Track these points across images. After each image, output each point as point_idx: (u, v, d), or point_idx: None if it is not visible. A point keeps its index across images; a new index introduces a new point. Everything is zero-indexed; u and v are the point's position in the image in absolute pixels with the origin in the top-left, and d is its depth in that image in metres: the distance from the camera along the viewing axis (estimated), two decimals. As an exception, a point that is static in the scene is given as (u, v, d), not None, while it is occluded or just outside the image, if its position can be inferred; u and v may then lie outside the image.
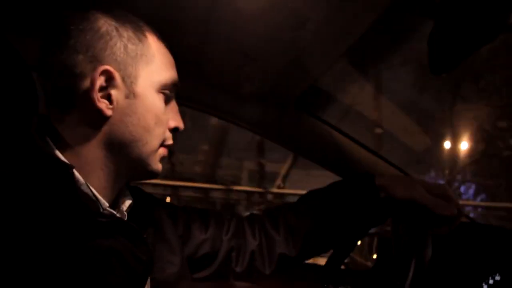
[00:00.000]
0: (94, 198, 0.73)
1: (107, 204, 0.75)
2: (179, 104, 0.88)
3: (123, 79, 0.76)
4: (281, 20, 1.00)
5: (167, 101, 0.83)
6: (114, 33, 0.75)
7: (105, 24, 0.75)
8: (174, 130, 0.86)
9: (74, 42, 0.74)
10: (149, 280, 0.82)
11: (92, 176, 0.75)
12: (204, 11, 0.99)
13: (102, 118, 0.75)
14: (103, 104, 0.74)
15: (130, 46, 0.77)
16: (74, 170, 0.71)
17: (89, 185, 0.73)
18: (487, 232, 1.11)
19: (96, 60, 0.73)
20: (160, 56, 0.81)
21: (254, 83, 1.29)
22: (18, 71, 0.75)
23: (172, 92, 0.84)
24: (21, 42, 0.84)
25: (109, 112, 0.75)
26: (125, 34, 0.76)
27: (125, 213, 0.83)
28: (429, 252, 0.94)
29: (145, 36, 0.79)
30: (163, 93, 0.81)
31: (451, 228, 0.99)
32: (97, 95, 0.73)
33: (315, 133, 1.37)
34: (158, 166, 0.84)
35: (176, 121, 0.86)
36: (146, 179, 0.86)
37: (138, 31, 0.79)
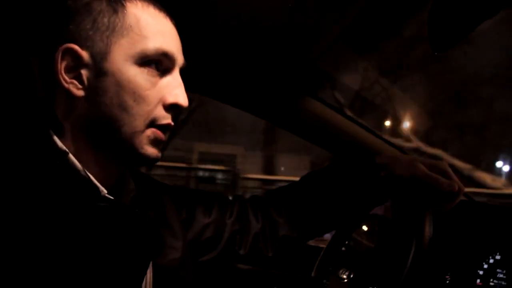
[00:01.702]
0: (92, 183, 0.72)
1: (105, 191, 0.74)
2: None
3: (92, 57, 0.70)
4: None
5: (159, 75, 0.75)
6: (83, 9, 0.71)
7: (77, 0, 0.71)
8: (173, 107, 0.76)
9: (50, 23, 0.73)
10: (151, 265, 0.81)
11: (86, 161, 0.73)
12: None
13: (75, 100, 0.71)
14: (71, 85, 0.71)
15: (100, 20, 0.70)
16: (70, 156, 0.70)
17: (86, 171, 0.72)
18: (487, 211, 1.11)
19: (62, 40, 0.70)
20: (143, 25, 0.72)
21: (253, 64, 1.28)
22: (16, 54, 0.75)
23: (165, 64, 0.75)
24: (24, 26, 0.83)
25: (79, 93, 0.71)
26: (97, 7, 0.71)
27: (127, 198, 0.82)
28: (430, 231, 0.94)
29: (123, 6, 0.72)
30: (148, 66, 0.73)
31: (452, 205, 0.99)
32: (63, 76, 0.70)
33: (315, 114, 1.36)
34: (148, 150, 0.75)
35: (174, 97, 0.75)
36: (142, 165, 0.80)
37: (114, 1, 0.72)
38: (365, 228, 1.28)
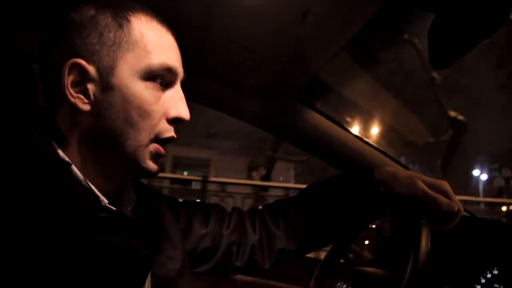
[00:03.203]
0: (93, 194, 0.72)
1: (106, 201, 0.74)
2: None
3: (98, 71, 0.71)
4: (282, 13, 0.99)
5: (162, 89, 0.76)
6: (89, 23, 0.71)
7: (82, 13, 0.71)
8: (175, 121, 0.78)
9: (53, 35, 0.73)
10: (149, 275, 0.81)
11: (89, 172, 0.73)
12: (204, 3, 0.99)
13: (80, 113, 0.72)
14: (77, 99, 0.71)
15: (106, 34, 0.71)
16: (72, 166, 0.70)
17: (87, 181, 0.72)
18: (485, 226, 1.11)
19: (68, 54, 0.70)
20: (147, 40, 0.73)
21: (254, 75, 1.28)
22: (17, 63, 0.75)
23: (169, 78, 0.77)
24: (24, 34, 0.84)
25: (85, 107, 0.71)
26: (102, 22, 0.71)
27: (129, 210, 0.82)
28: (428, 246, 0.94)
29: (128, 20, 0.72)
30: (152, 81, 0.74)
31: (451, 226, 0.99)
32: (70, 90, 0.70)
33: (315, 126, 1.37)
34: (149, 164, 0.76)
35: (177, 110, 0.77)
36: (142, 177, 0.81)
37: (119, 16, 0.72)
38: (364, 240, 1.28)
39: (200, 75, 1.28)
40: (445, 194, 0.98)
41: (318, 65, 1.20)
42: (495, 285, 0.99)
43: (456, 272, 1.05)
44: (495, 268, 1.00)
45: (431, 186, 0.98)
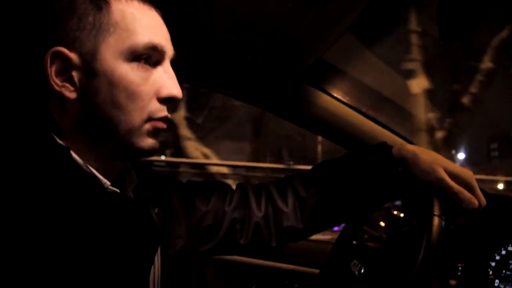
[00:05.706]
0: (95, 178, 0.72)
1: (109, 183, 0.74)
2: (182, 81, 0.79)
3: (81, 57, 0.69)
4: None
5: (150, 68, 0.74)
6: (67, 10, 0.69)
7: (60, 1, 0.70)
8: (167, 100, 0.76)
9: (32, 25, 0.72)
10: (159, 255, 0.81)
11: (87, 158, 0.73)
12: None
13: (69, 102, 0.71)
14: (63, 88, 0.70)
15: (85, 19, 0.69)
16: (71, 152, 0.70)
17: (88, 165, 0.72)
18: (500, 203, 1.09)
19: (49, 43, 0.69)
20: (129, 20, 0.71)
21: (259, 57, 1.27)
22: (8, 56, 0.75)
23: (155, 57, 0.74)
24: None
25: (72, 95, 0.70)
26: (81, 6, 0.69)
27: (130, 191, 0.82)
28: (439, 237, 0.90)
29: (107, 2, 0.70)
30: (138, 61, 0.72)
31: (467, 221, 0.95)
32: (54, 80, 0.70)
33: (322, 107, 1.35)
34: (146, 143, 0.75)
35: (168, 89, 0.75)
36: (140, 158, 0.80)
37: None
38: (376, 220, 1.28)
39: (203, 58, 1.26)
40: (468, 186, 0.92)
41: (324, 46, 1.18)
42: (510, 262, 0.98)
43: (470, 249, 1.04)
44: (510, 245, 0.99)
45: (454, 177, 0.92)
